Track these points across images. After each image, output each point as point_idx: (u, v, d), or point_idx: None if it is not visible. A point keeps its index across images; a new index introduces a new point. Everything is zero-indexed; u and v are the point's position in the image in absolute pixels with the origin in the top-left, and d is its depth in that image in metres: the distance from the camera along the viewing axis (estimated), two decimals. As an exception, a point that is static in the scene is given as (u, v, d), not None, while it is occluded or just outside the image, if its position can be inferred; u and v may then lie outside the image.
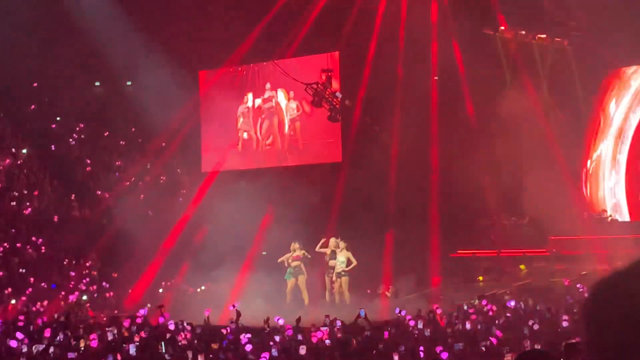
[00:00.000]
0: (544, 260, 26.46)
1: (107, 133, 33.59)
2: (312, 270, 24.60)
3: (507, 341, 14.98)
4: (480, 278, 26.02)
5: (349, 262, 23.84)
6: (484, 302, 20.06)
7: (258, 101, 31.50)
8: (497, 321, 17.54)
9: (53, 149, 33.05)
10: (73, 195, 31.65)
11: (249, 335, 16.48)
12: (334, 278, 24.04)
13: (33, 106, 33.22)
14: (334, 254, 24.12)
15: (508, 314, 18.21)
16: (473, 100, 27.84)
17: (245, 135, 31.73)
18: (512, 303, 19.46)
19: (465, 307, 19.50)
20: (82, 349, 15.21)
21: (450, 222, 27.09)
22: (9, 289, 26.10)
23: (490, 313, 18.61)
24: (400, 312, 18.34)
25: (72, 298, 26.05)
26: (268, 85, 31.13)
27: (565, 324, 16.37)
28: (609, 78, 28.45)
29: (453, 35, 27.96)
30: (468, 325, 17.01)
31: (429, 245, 26.51)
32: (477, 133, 27.77)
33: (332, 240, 24.34)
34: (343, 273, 23.85)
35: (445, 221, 27.08)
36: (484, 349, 14.66)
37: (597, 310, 2.69)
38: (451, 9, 28.03)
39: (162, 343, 15.54)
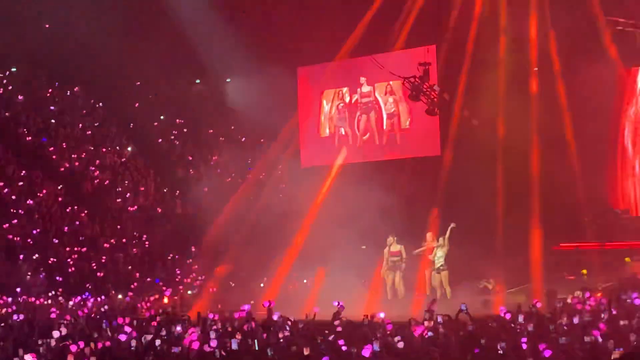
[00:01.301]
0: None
1: (208, 130, 34.01)
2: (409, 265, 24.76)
3: (612, 335, 14.70)
4: (584, 271, 25.56)
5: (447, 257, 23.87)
6: (587, 294, 19.72)
7: (355, 96, 31.46)
8: (602, 315, 17.22)
9: (157, 144, 33.66)
10: (177, 191, 32.21)
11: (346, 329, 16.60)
12: (433, 273, 24.07)
13: (137, 104, 33.93)
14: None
15: (613, 309, 17.85)
16: (572, 91, 27.31)
17: (342, 130, 31.75)
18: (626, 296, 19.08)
19: (569, 301, 19.21)
20: (188, 341, 15.46)
21: (553, 214, 26.67)
22: (115, 284, 26.76)
23: (598, 306, 18.28)
24: (505, 313, 17.96)
25: (175, 293, 26.58)
26: (363, 80, 31.06)
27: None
28: None
29: (552, 24, 27.52)
30: (574, 320, 16.72)
31: (530, 238, 26.15)
32: (579, 124, 27.25)
33: (429, 236, 24.35)
34: (442, 267, 23.84)
35: (547, 214, 26.68)
36: (589, 343, 14.41)
37: None
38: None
39: (258, 338, 15.71)
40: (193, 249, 29.86)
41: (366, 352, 13.91)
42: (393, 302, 23.93)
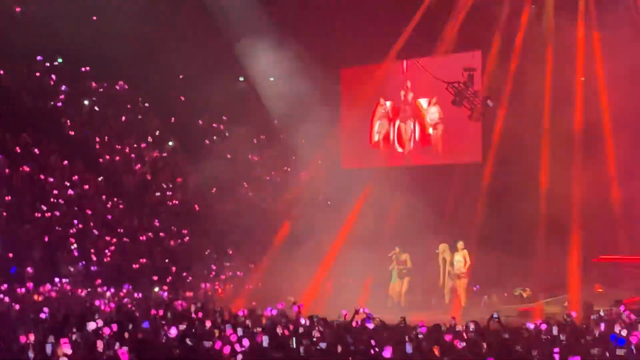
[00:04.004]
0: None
1: (249, 127, 34.10)
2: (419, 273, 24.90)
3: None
4: (600, 290, 25.42)
5: (464, 263, 23.78)
6: (621, 308, 19.51)
7: (397, 101, 31.35)
8: (637, 328, 17.00)
9: (197, 140, 33.84)
10: (214, 188, 32.36)
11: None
12: (456, 281, 24.02)
13: (182, 97, 34.15)
14: (445, 261, 24.25)
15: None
16: (615, 100, 26.98)
17: (382, 134, 31.66)
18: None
19: (602, 313, 19.01)
20: (217, 338, 15.49)
21: (593, 226, 26.43)
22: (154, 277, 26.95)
23: (630, 319, 18.08)
24: (540, 324, 17.82)
25: (212, 288, 26.69)
26: (408, 84, 30.97)
27: None
28: None
29: (598, 33, 27.28)
30: (609, 331, 16.52)
31: (569, 249, 25.95)
32: (622, 134, 26.95)
33: (442, 247, 24.43)
34: (461, 274, 23.74)
35: (587, 226, 26.44)
36: (622, 355, 14.25)
37: None
38: (596, 5, 27.35)
39: (294, 338, 15.72)
40: (229, 247, 29.95)
41: (387, 352, 13.87)
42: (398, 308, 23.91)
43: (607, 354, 14.35)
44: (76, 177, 29.78)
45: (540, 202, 27.36)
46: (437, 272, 25.09)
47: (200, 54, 32.23)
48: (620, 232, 27.18)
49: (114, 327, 15.55)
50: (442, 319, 18.81)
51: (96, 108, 33.17)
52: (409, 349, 14.62)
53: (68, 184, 29.28)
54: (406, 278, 25.37)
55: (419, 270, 25.64)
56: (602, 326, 17.26)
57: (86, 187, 29.69)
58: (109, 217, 29.17)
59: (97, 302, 22.03)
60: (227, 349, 14.62)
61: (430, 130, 30.42)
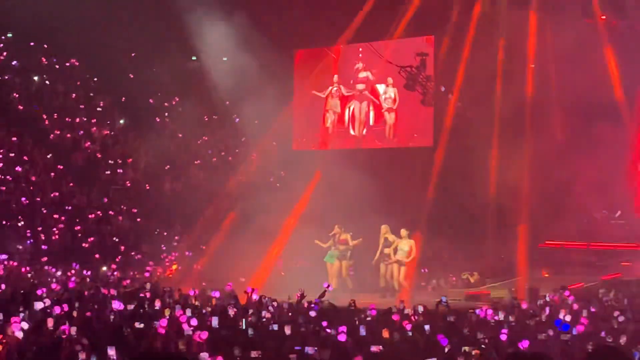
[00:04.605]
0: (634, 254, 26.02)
1: (201, 108, 33.93)
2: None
3: (590, 334, 14.80)
4: (546, 275, 25.75)
5: (409, 252, 23.47)
6: (566, 293, 19.81)
7: (350, 85, 31.37)
8: (581, 313, 17.29)
9: (148, 118, 33.61)
10: (167, 166, 32.20)
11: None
12: (392, 265, 23.77)
13: (132, 75, 33.87)
14: (387, 241, 23.95)
15: (592, 307, 17.93)
16: (568, 88, 27.31)
17: (333, 116, 31.68)
18: (600, 296, 19.21)
19: (548, 298, 19.29)
20: (167, 318, 15.48)
21: (540, 212, 26.78)
22: (101, 256, 26.76)
23: (575, 306, 18.37)
24: (486, 309, 17.97)
25: (161, 268, 26.59)
26: (360, 66, 31.00)
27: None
28: None
29: (551, 23, 27.57)
30: (554, 317, 16.80)
31: (517, 234, 26.25)
32: (573, 123, 27.31)
33: (383, 227, 24.11)
34: (402, 261, 23.53)
35: (534, 211, 26.77)
36: (567, 340, 14.49)
37: None
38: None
39: (243, 319, 15.77)
40: (179, 227, 29.84)
41: (342, 336, 13.97)
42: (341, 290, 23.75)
43: (552, 339, 14.60)
44: (25, 153, 29.46)
45: (489, 187, 27.65)
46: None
47: (152, 32, 31.93)
48: (566, 218, 27.58)
49: (64, 306, 15.47)
50: (390, 302, 19.01)
51: (47, 83, 32.82)
52: (362, 331, 14.74)
53: (16, 161, 28.96)
54: (345, 260, 24.86)
55: (369, 252, 25.55)
56: (547, 311, 17.55)
57: (34, 163, 29.38)
58: (57, 194, 28.90)
59: (45, 281, 21.87)
60: (176, 328, 14.64)
61: (385, 114, 30.50)
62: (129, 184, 31.11)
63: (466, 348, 13.15)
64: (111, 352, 12.26)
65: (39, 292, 18.17)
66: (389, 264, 23.65)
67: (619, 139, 26.15)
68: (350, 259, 24.57)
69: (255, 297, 18.82)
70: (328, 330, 14.87)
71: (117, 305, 16.31)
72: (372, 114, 30.70)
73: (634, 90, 26.88)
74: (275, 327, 15.20)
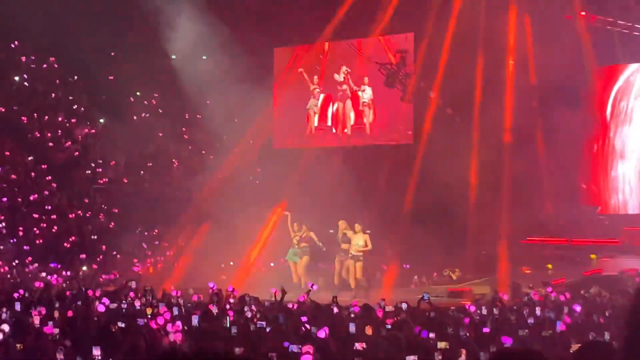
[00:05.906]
0: (615, 250, 26.13)
1: (181, 106, 33.86)
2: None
3: (573, 331, 14.85)
4: (550, 266, 25.77)
5: (365, 246, 23.63)
6: (548, 289, 19.87)
7: (330, 83, 31.32)
8: (564, 310, 17.36)
9: (128, 117, 33.50)
10: (149, 163, 32.12)
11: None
12: (348, 261, 23.80)
13: (111, 77, 33.71)
14: (345, 237, 24.03)
15: (575, 304, 18.00)
16: (547, 86, 27.40)
17: (314, 115, 31.64)
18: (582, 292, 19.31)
19: (531, 294, 19.35)
20: (150, 316, 15.44)
21: (521, 208, 26.84)
22: (83, 256, 26.68)
23: (562, 299, 18.45)
24: (469, 306, 18.03)
25: (142, 267, 26.54)
26: (342, 66, 30.99)
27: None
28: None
29: (530, 18, 27.67)
30: (537, 313, 16.85)
31: (498, 230, 26.30)
32: (550, 118, 27.38)
33: (342, 223, 24.22)
34: (359, 257, 23.60)
35: (516, 207, 26.83)
36: (549, 336, 14.54)
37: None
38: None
39: (227, 317, 15.74)
40: (160, 226, 29.78)
41: (321, 333, 13.95)
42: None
43: (533, 335, 14.65)
44: (4, 153, 29.33)
45: (470, 184, 27.71)
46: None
47: (131, 31, 31.82)
48: (547, 213, 27.69)
49: (42, 309, 15.38)
50: (371, 299, 19.03)
51: (26, 84, 32.64)
52: (352, 328, 14.71)
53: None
54: (305, 257, 24.92)
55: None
56: (530, 307, 17.60)
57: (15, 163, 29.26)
58: (37, 195, 28.79)
59: (26, 281, 21.79)
60: (158, 327, 14.59)
61: (364, 111, 30.49)
62: (107, 183, 31.02)
63: (447, 344, 13.15)
64: (96, 352, 12.20)
65: (20, 292, 18.10)
66: (345, 260, 23.80)
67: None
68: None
69: (236, 294, 18.83)
70: (307, 327, 14.86)
71: (100, 304, 16.27)
72: (352, 112, 30.69)
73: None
74: (258, 325, 15.18)
